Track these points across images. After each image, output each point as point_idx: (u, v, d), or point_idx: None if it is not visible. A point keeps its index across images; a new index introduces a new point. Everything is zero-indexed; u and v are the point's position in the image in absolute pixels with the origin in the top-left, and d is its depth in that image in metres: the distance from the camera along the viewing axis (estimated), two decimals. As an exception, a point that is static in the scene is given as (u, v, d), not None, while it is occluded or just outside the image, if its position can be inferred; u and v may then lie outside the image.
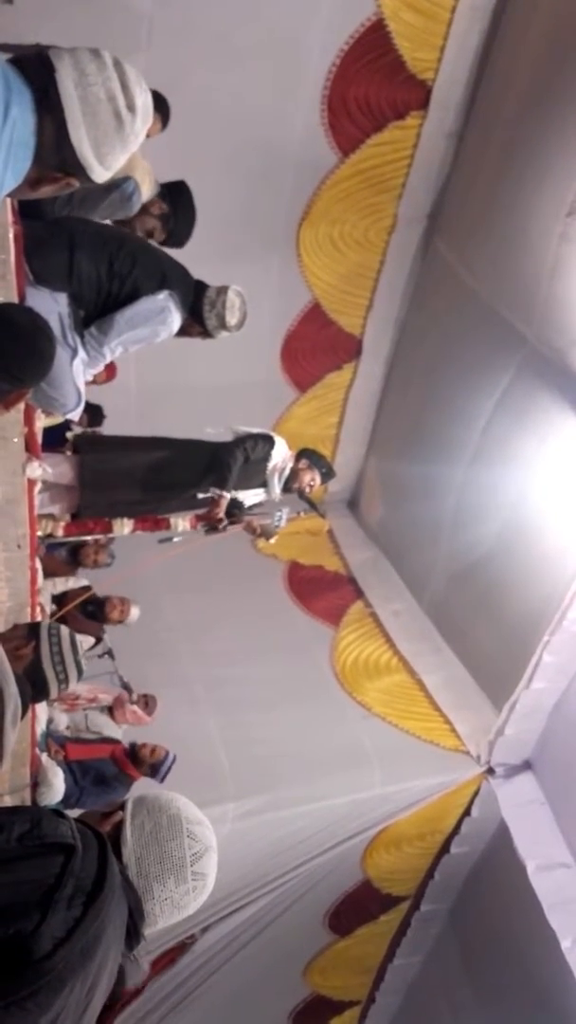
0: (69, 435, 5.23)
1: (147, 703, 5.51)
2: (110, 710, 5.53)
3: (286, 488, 5.05)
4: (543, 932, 6.52)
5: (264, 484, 4.97)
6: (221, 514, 4.74)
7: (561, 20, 5.46)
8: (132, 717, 5.45)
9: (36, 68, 1.48)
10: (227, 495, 4.72)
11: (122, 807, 1.76)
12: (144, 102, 1.54)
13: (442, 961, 8.44)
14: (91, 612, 5.82)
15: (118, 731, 5.48)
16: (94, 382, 5.26)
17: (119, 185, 3.87)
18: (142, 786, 4.97)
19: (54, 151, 1.50)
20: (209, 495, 4.73)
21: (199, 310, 4.20)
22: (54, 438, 4.83)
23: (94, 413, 6.27)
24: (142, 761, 5.13)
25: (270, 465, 4.90)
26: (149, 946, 1.78)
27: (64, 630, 2.87)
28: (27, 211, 3.51)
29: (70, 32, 4.27)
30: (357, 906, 7.80)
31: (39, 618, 4.42)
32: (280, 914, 7.15)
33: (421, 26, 5.84)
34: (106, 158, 1.53)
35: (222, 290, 4.23)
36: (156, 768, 5.14)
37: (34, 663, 2.73)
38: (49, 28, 4.33)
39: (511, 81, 5.98)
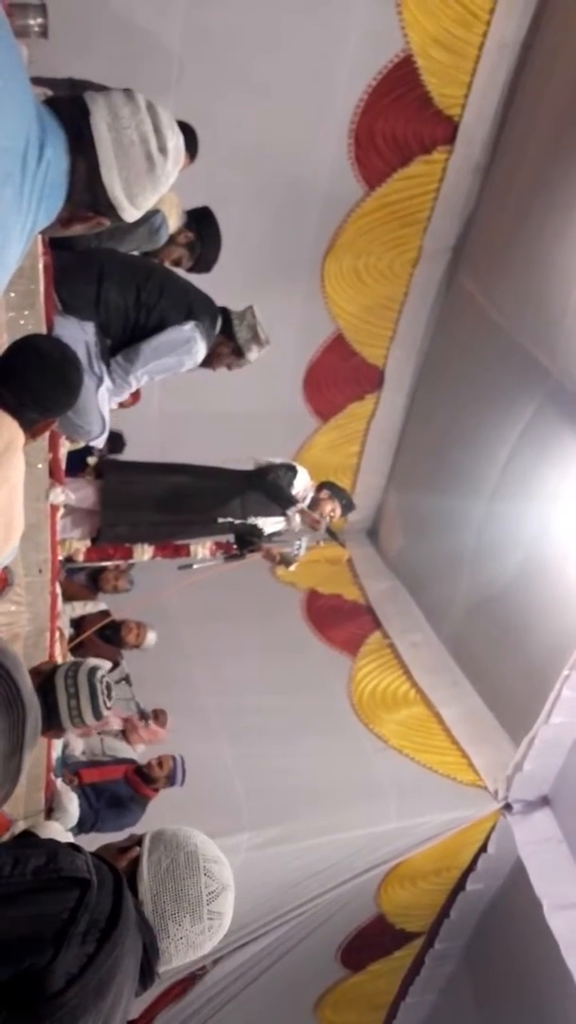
0: (90, 460, 5.27)
1: (157, 716, 5.50)
2: (124, 734, 5.52)
3: (307, 517, 5.05)
4: (559, 972, 6.40)
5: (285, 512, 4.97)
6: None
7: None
8: (148, 735, 5.44)
9: (71, 110, 1.51)
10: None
11: (139, 842, 1.75)
12: (176, 144, 1.56)
13: (455, 1000, 8.29)
14: (107, 636, 5.82)
15: (134, 753, 5.46)
16: (120, 406, 5.30)
17: (147, 219, 3.92)
18: (158, 816, 4.94)
19: (86, 191, 1.52)
20: (228, 521, 4.74)
21: (229, 327, 4.22)
22: (73, 463, 4.86)
23: (114, 440, 6.30)
24: (155, 778, 5.09)
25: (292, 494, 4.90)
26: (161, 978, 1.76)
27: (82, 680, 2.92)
28: (56, 242, 3.56)
29: (102, 67, 4.35)
30: (371, 941, 7.69)
31: (57, 643, 4.43)
32: (292, 947, 7.06)
33: (449, 63, 5.89)
34: (137, 199, 1.56)
35: (246, 308, 4.27)
36: (171, 778, 5.10)
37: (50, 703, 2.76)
38: (82, 63, 4.39)
39: (538, 117, 6.02)
